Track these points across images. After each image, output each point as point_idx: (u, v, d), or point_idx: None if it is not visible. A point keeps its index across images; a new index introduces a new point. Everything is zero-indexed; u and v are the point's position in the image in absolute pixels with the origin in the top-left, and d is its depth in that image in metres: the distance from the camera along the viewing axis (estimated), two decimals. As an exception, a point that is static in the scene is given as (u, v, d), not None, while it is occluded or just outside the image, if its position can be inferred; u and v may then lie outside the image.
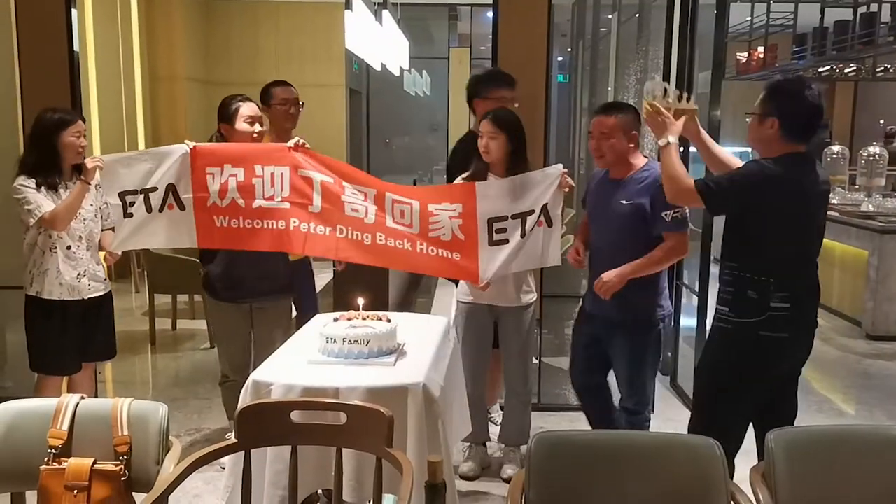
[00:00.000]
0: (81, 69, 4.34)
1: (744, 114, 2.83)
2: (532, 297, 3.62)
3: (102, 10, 7.68)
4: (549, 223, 3.29)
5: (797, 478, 2.05)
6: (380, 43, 7.84)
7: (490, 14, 4.29)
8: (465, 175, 3.59)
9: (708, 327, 3.08)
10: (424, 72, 12.14)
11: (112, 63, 7.98)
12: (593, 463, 2.06)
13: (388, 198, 3.37)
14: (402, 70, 10.16)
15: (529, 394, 3.71)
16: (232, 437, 2.25)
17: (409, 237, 3.35)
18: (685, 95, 2.93)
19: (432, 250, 3.35)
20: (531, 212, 3.29)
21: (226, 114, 3.60)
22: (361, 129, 11.83)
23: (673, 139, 2.83)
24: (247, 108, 3.59)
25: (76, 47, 4.15)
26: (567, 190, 3.28)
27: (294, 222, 3.38)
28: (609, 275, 3.08)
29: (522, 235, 3.30)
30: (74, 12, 4.13)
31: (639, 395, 3.27)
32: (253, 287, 3.66)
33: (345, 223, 3.36)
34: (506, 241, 3.31)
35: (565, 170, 3.30)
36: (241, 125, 3.57)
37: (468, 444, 3.72)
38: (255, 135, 3.59)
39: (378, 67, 8.74)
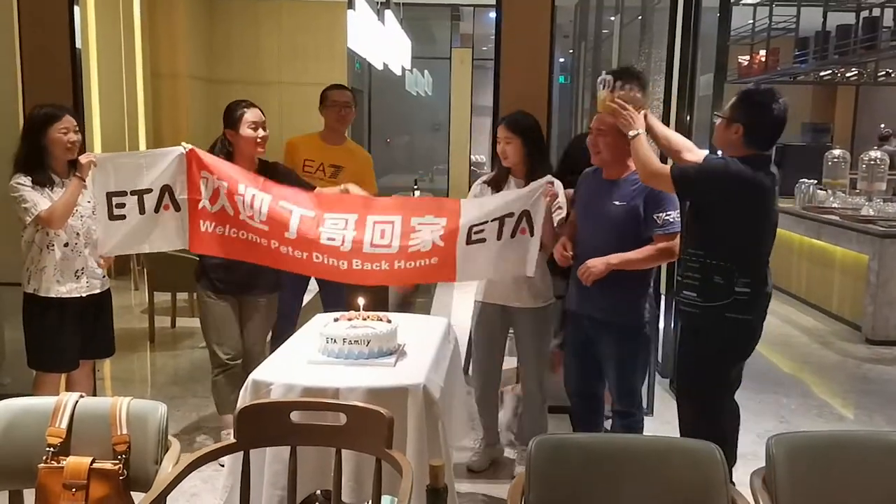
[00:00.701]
0: (83, 66, 4.33)
1: (713, 113, 3.09)
2: (548, 300, 3.54)
3: (104, 7, 7.67)
4: (532, 232, 3.25)
5: (798, 483, 2.04)
6: (382, 42, 7.85)
7: (492, 14, 4.30)
8: (484, 179, 3.61)
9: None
10: (426, 71, 12.15)
11: (114, 60, 7.98)
12: (594, 466, 2.05)
13: (369, 221, 3.35)
14: (403, 70, 10.18)
15: (544, 396, 3.66)
16: (230, 436, 2.25)
17: (387, 258, 3.32)
18: (627, 87, 3.05)
19: (410, 264, 3.33)
20: (510, 214, 3.25)
21: (231, 119, 3.66)
22: (363, 129, 11.84)
23: (642, 130, 3.00)
24: (251, 114, 3.64)
25: (78, 44, 4.15)
26: (548, 199, 3.22)
27: (274, 244, 3.39)
28: (594, 261, 3.06)
29: (499, 238, 3.26)
30: (76, 9, 4.12)
31: (629, 397, 3.26)
32: (247, 283, 3.75)
33: (321, 251, 3.35)
34: (483, 241, 3.28)
35: (551, 181, 3.25)
36: (245, 131, 3.62)
37: (482, 439, 3.79)
38: (258, 139, 3.64)
39: (380, 67, 8.75)
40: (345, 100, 4.34)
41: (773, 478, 2.04)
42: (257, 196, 3.38)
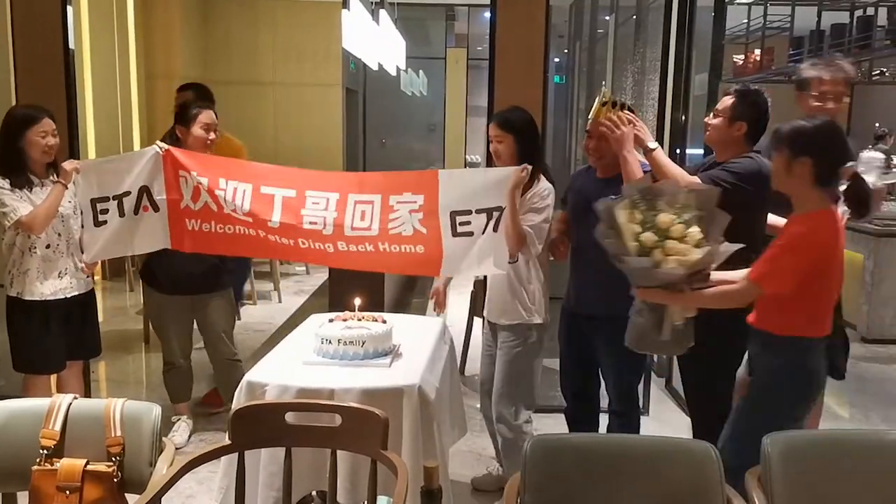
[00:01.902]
0: (77, 67, 4.32)
1: (712, 113, 3.09)
2: (516, 318, 3.28)
3: (98, 7, 7.65)
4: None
5: (793, 482, 2.04)
6: (377, 42, 7.84)
7: (488, 14, 4.29)
8: None
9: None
10: (421, 72, 12.14)
11: (108, 61, 7.96)
12: (589, 467, 2.05)
13: (350, 200, 3.34)
14: (398, 70, 10.16)
15: (512, 424, 3.31)
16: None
17: (370, 240, 3.31)
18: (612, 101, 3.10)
19: (395, 248, 3.31)
20: (499, 208, 3.17)
21: (185, 117, 3.75)
22: (358, 129, 11.83)
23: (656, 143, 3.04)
24: (205, 116, 3.76)
25: (71, 45, 4.13)
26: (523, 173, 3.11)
27: (261, 233, 3.40)
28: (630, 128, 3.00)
29: (483, 232, 3.20)
30: (70, 10, 4.10)
31: (626, 397, 3.26)
32: (196, 282, 3.88)
33: (304, 236, 3.35)
34: (470, 234, 3.22)
35: (526, 167, 3.14)
36: (197, 131, 3.73)
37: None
38: (208, 141, 3.75)
39: (375, 67, 8.74)
40: (181, 101, 4.27)
41: (769, 477, 2.04)
42: (238, 188, 3.39)
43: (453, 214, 3.21)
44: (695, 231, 2.52)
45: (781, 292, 2.48)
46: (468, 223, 3.21)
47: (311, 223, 3.32)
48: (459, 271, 3.34)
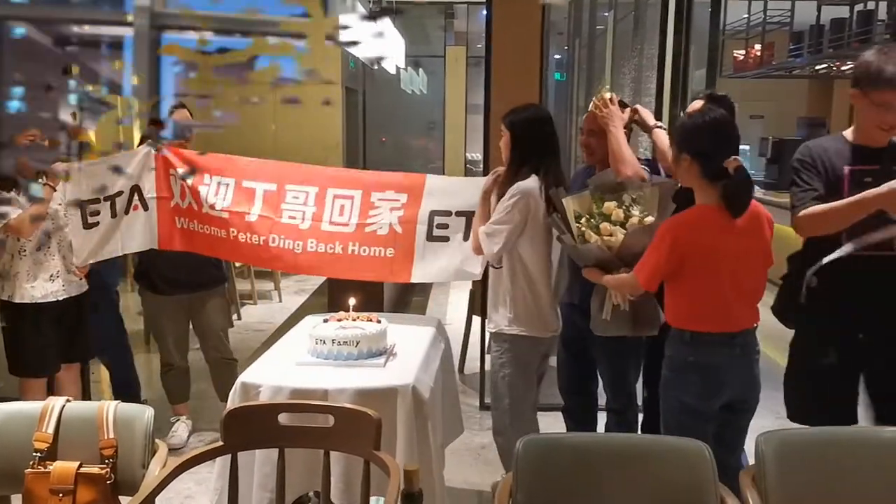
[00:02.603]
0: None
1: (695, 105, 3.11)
2: (493, 327, 3.13)
3: (97, 8, 7.65)
4: None
5: (787, 480, 2.03)
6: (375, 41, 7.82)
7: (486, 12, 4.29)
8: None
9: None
10: (420, 70, 12.13)
11: (107, 61, 7.96)
12: (582, 466, 2.04)
13: (329, 194, 3.37)
14: (398, 68, 10.15)
15: (502, 437, 3.20)
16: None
17: (342, 238, 3.33)
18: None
19: (364, 250, 3.33)
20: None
21: (159, 118, 3.73)
22: (358, 127, 11.81)
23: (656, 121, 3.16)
24: (178, 115, 3.73)
25: (68, 46, 4.13)
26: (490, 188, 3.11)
27: (232, 232, 3.43)
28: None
29: (465, 238, 3.22)
30: (66, 9, 4.11)
31: (624, 395, 3.25)
32: (192, 280, 3.90)
33: (278, 231, 3.38)
34: (446, 239, 3.25)
35: (497, 171, 3.14)
36: None
37: None
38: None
39: (374, 66, 8.72)
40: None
41: (763, 475, 2.03)
42: (222, 182, 3.44)
43: (433, 214, 3.27)
44: (636, 213, 2.68)
45: (647, 284, 2.55)
46: (446, 226, 3.25)
47: (290, 217, 3.38)
48: (432, 277, 3.39)
